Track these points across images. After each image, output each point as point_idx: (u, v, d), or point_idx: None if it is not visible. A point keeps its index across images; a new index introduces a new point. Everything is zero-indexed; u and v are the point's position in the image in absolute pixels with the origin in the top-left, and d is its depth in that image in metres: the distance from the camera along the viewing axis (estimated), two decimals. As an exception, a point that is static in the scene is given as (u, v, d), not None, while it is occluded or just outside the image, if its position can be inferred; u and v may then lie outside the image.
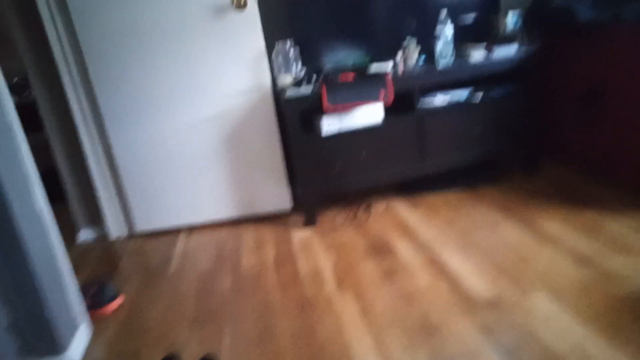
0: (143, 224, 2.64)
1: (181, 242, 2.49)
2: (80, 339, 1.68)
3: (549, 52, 2.44)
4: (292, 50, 2.37)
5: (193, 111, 2.44)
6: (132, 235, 2.67)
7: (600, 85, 2.19)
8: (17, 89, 3.57)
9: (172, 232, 2.63)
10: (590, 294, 1.53)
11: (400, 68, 2.40)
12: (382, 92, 2.28)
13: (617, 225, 1.90)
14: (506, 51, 2.38)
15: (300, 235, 2.34)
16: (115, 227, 2.66)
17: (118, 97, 2.40)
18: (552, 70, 2.47)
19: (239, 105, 2.43)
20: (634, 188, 2.13)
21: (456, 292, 1.67)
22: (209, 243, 2.43)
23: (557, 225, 1.99)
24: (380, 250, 2.05)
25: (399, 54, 2.43)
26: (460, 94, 2.45)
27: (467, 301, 1.61)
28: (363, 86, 2.29)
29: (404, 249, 2.02)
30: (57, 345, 1.55)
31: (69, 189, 2.62)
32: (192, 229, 2.64)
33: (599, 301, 1.49)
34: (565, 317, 1.44)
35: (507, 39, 2.44)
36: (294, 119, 2.28)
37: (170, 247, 2.46)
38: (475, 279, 1.72)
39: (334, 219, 2.47)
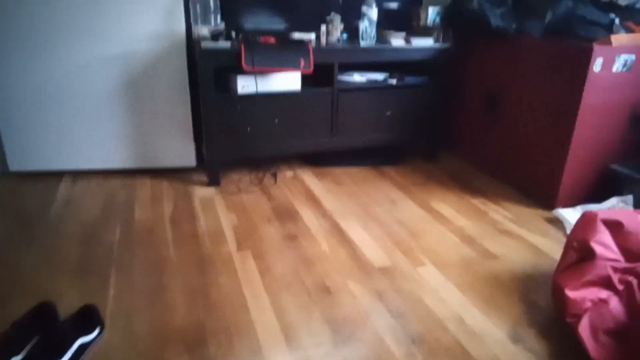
0: (18, 163, 2.32)
1: (64, 188, 2.25)
2: None
3: (461, 52, 2.61)
4: (212, 0, 2.23)
5: (92, 48, 2.18)
6: (4, 175, 2.34)
7: (499, 90, 2.40)
8: None
9: (54, 176, 2.36)
10: (471, 269, 1.68)
11: (323, 41, 2.39)
12: (303, 61, 2.25)
13: (497, 214, 2.11)
14: (423, 43, 2.49)
15: (202, 193, 2.25)
16: (-17, 164, 2.31)
17: (3, 20, 2.06)
18: (462, 69, 2.65)
19: (146, 49, 2.23)
20: (513, 184, 2.38)
21: (353, 259, 1.73)
22: (97, 191, 2.22)
23: (448, 208, 2.15)
24: (284, 215, 2.05)
25: (323, 27, 2.42)
26: (377, 76, 2.52)
27: (362, 268, 1.67)
28: (284, 52, 2.24)
29: (306, 216, 2.04)
30: None
31: None
32: (77, 175, 2.39)
33: (477, 276, 1.64)
34: (448, 287, 1.57)
35: (425, 32, 2.56)
36: (208, 73, 2.16)
37: (51, 191, 2.20)
38: (371, 248, 1.80)
39: (239, 181, 2.41)
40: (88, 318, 1.32)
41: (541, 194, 2.20)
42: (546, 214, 2.11)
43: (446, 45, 2.52)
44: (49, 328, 1.22)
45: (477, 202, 2.23)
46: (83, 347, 1.24)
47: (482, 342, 1.32)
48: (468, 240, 1.88)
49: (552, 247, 1.83)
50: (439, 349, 1.29)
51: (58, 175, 2.37)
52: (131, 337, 1.31)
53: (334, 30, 2.46)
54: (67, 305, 1.42)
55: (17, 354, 1.16)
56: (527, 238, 1.90)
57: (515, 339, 1.34)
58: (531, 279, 1.63)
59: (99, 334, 1.30)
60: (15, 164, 2.32)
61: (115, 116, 2.32)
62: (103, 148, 2.37)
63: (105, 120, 2.32)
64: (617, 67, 1.96)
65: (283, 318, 1.40)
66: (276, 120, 2.36)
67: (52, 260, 1.67)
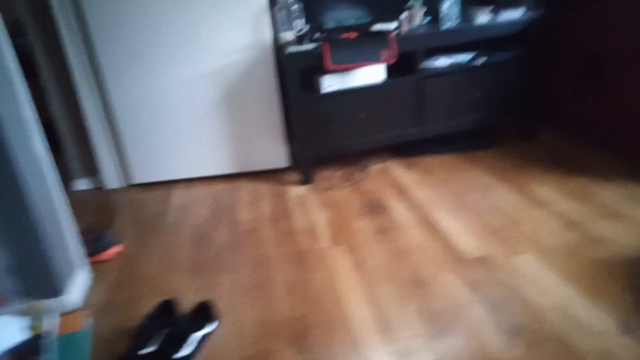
0: (140, 176, 2.65)
1: (177, 195, 2.52)
2: (79, 284, 1.72)
3: (553, 19, 2.41)
4: (294, 6, 2.33)
5: (192, 66, 2.41)
6: (129, 186, 2.69)
7: (604, 52, 2.18)
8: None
9: (169, 185, 2.65)
10: (576, 256, 1.58)
11: (404, 28, 2.37)
12: (385, 53, 2.26)
13: (607, 193, 1.94)
14: (512, 15, 2.35)
15: (296, 192, 2.37)
16: (111, 178, 2.67)
17: (117, 48, 2.36)
18: (555, 38, 2.45)
19: (238, 61, 2.40)
20: (626, 157, 2.16)
21: (447, 250, 1.72)
22: (205, 197, 2.46)
23: (549, 191, 2.03)
24: (375, 208, 2.09)
25: (404, 14, 2.39)
26: (463, 57, 2.43)
27: (456, 259, 1.66)
28: (366, 46, 2.26)
29: (398, 208, 2.06)
30: (55, 287, 1.59)
31: (65, 138, 2.61)
32: (188, 182, 2.66)
33: (583, 263, 1.54)
34: (550, 276, 1.50)
35: (514, 3, 2.41)
36: (294, 76, 2.26)
37: (167, 199, 2.49)
38: (465, 238, 1.77)
39: (330, 178, 2.49)
40: (206, 312, 1.49)
41: (660, 167, 1.98)
42: (667, 190, 1.90)
43: (538, 13, 2.35)
44: (174, 322, 1.41)
45: (584, 180, 2.06)
46: (203, 338, 1.41)
47: (588, 334, 1.25)
48: (572, 224, 1.76)
49: (674, 228, 1.65)
50: (541, 340, 1.25)
51: (171, 183, 2.66)
52: (242, 329, 1.46)
53: (416, 16, 2.42)
54: (187, 301, 1.62)
55: (150, 343, 1.36)
56: (642, 219, 1.74)
57: (627, 329, 1.25)
58: (648, 265, 1.49)
59: (216, 326, 1.47)
60: (138, 176, 2.65)
61: (215, 126, 2.54)
62: (207, 156, 2.61)
63: (207, 131, 2.55)
64: None
65: (378, 311, 1.46)
66: (362, 114, 2.40)
67: (171, 261, 1.90)
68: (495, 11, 2.35)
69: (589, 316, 1.32)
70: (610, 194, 1.93)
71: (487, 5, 2.41)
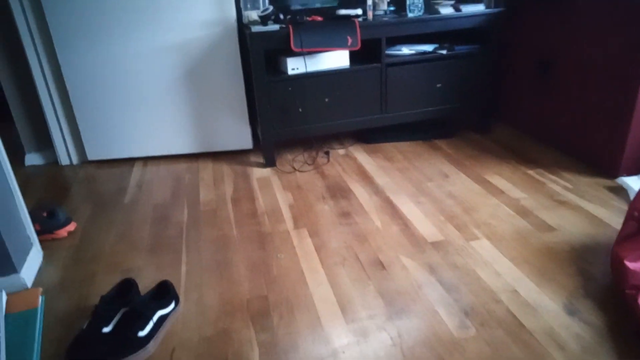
0: (95, 152, 2.55)
1: (136, 173, 2.45)
2: (32, 262, 1.65)
3: (513, 16, 2.50)
4: (261, -16, 2.29)
5: (151, 39, 2.32)
6: (84, 163, 2.58)
7: (555, 54, 2.29)
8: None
9: (127, 162, 2.57)
10: (527, 242, 1.68)
11: (370, 15, 2.38)
12: (350, 39, 2.27)
13: (555, 184, 2.06)
14: (474, 9, 2.41)
15: (259, 174, 2.36)
16: (65, 153, 2.56)
17: (69, 17, 2.24)
18: (514, 36, 2.55)
19: (201, 37, 2.34)
20: (571, 153, 2.29)
21: (406, 234, 1.77)
22: (165, 175, 2.40)
23: (503, 180, 2.13)
24: (337, 193, 2.12)
25: (369, 1, 2.40)
26: (426, 48, 2.49)
27: (415, 243, 1.72)
28: (331, 31, 2.26)
29: (359, 193, 2.10)
30: (7, 265, 1.52)
31: (15, 109, 2.46)
32: (147, 160, 2.58)
33: (533, 249, 1.64)
34: (502, 260, 1.59)
35: (475, -2, 2.48)
36: (259, 56, 2.23)
37: (125, 176, 2.41)
38: (424, 223, 1.84)
39: (294, 161, 2.50)
40: (165, 292, 1.47)
41: (603, 161, 2.12)
42: (608, 182, 2.03)
43: (499, 9, 2.43)
44: (133, 302, 1.38)
45: (534, 173, 2.18)
46: (162, 318, 1.39)
47: (536, 314, 1.34)
48: (524, 212, 1.86)
49: (613, 218, 1.78)
50: (492, 320, 1.33)
51: (130, 161, 2.58)
52: (202, 309, 1.45)
53: (381, 3, 2.45)
54: (146, 280, 1.59)
55: (107, 324, 1.33)
56: (586, 208, 1.85)
57: (571, 311, 1.34)
58: (589, 251, 1.60)
59: (175, 306, 1.45)
60: (93, 153, 2.55)
61: (177, 103, 2.47)
62: (168, 134, 2.54)
63: (168, 108, 2.48)
64: (689, 22, 1.82)
65: (339, 292, 1.49)
66: (326, 99, 2.41)
67: (130, 240, 1.85)
68: (457, 5, 2.41)
69: (537, 298, 1.40)
70: (557, 186, 2.05)
71: (450, -1, 2.48)
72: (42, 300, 1.51)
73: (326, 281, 1.54)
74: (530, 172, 2.19)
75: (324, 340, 1.30)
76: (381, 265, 1.61)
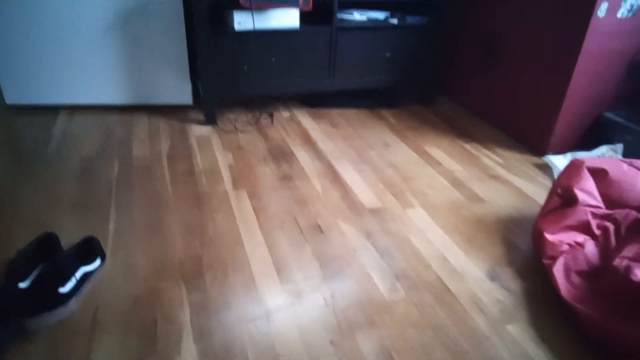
0: (15, 96, 2.32)
1: (61, 122, 2.26)
2: None
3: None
4: None
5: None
6: (1, 107, 2.35)
7: (500, 34, 2.35)
8: None
9: (51, 110, 2.37)
10: (458, 212, 1.75)
11: (323, -25, 2.31)
12: (302, -3, 2.19)
13: (488, 159, 2.15)
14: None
15: (198, 131, 2.27)
16: (-22, 97, 2.31)
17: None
18: (464, 11, 2.58)
19: (141, -20, 2.16)
20: (505, 130, 2.40)
21: (345, 200, 1.79)
22: (94, 127, 2.24)
23: (441, 152, 2.19)
24: (279, 156, 2.09)
25: (324, -40, 2.32)
26: (378, 15, 2.46)
27: (353, 209, 1.73)
28: (282, -13, 2.17)
29: (302, 157, 2.08)
30: None
31: None
32: (74, 109, 2.39)
33: (463, 218, 1.71)
34: (434, 228, 1.64)
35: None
36: (203, 8, 2.10)
37: (48, 126, 2.22)
38: (363, 190, 1.85)
39: (236, 120, 2.42)
40: (90, 249, 1.39)
41: (533, 140, 2.23)
42: (536, 160, 2.15)
43: (450, -17, 2.44)
44: (53, 257, 1.29)
45: (470, 147, 2.26)
46: (86, 275, 1.32)
47: (461, 279, 1.41)
48: (457, 183, 1.93)
49: (538, 193, 1.89)
50: (421, 285, 1.38)
51: (55, 109, 2.38)
52: (131, 268, 1.39)
53: (335, -35, 2.37)
54: (68, 238, 1.49)
55: (23, 279, 1.24)
56: (514, 183, 1.95)
57: (493, 277, 1.42)
58: (514, 223, 1.70)
59: (101, 264, 1.38)
60: (11, 97, 2.32)
61: (111, 51, 2.29)
62: (100, 83, 2.35)
63: (101, 55, 2.29)
64: (622, 12, 1.92)
65: (276, 254, 1.48)
66: (273, 59, 2.33)
67: (52, 194, 1.72)
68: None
69: (464, 265, 1.47)
70: (490, 160, 2.14)
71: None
72: (-53, 254, 1.37)
73: (263, 243, 1.53)
74: (467, 145, 2.27)
75: (258, 300, 1.29)
76: (319, 229, 1.61)
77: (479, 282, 1.40)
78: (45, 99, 2.35)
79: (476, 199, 1.84)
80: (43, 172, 1.85)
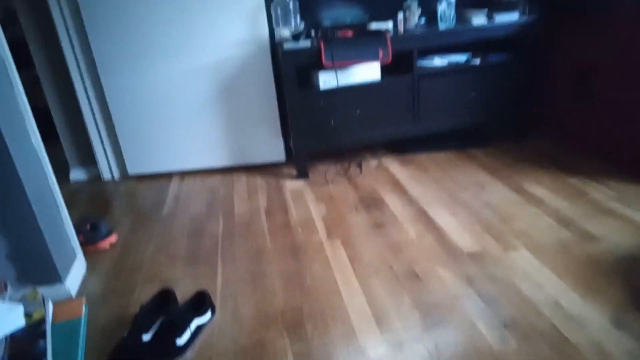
0: (135, 167, 2.65)
1: (173, 187, 2.52)
2: (76, 272, 1.72)
3: (548, 25, 2.45)
4: (291, 3, 2.34)
5: (189, 59, 2.41)
6: (125, 178, 2.68)
7: (594, 64, 2.22)
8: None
9: (165, 176, 2.65)
10: (569, 252, 1.61)
11: (401, 28, 2.39)
12: (381, 52, 2.28)
13: (597, 193, 1.98)
14: (507, 18, 2.38)
15: (292, 186, 2.38)
16: (107, 169, 2.66)
17: (111, 41, 2.35)
18: (549, 44, 2.49)
19: (235, 55, 2.40)
20: (613, 162, 2.20)
21: (441, 245, 1.74)
22: (201, 189, 2.46)
23: (542, 189, 2.06)
24: (370, 203, 2.11)
25: (400, 14, 2.41)
26: (459, 58, 2.46)
27: (451, 254, 1.68)
28: (362, 44, 2.28)
29: (393, 204, 2.08)
30: (53, 274, 1.59)
31: (61, 128, 2.59)
32: (184, 174, 2.65)
33: (576, 260, 1.57)
34: (543, 272, 1.53)
35: (509, 6, 2.44)
36: (291, 72, 2.27)
37: (163, 190, 2.48)
38: (460, 234, 1.80)
39: (326, 172, 2.51)
40: (202, 302, 1.50)
41: (650, 169, 2.02)
42: (657, 190, 1.94)
43: (533, 18, 2.38)
44: (171, 311, 1.41)
45: (575, 181, 2.10)
46: (199, 328, 1.41)
47: (581, 328, 1.28)
48: (565, 222, 1.80)
49: (664, 227, 1.69)
50: (534, 334, 1.28)
51: (168, 175, 2.66)
52: (238, 319, 1.46)
53: (412, 16, 2.45)
54: (183, 291, 1.62)
55: (146, 332, 1.36)
56: (632, 217, 1.77)
57: (619, 324, 1.28)
58: (637, 262, 1.52)
59: (212, 316, 1.47)
60: (133, 168, 2.65)
61: (212, 119, 2.54)
62: (204, 149, 2.61)
63: (204, 124, 2.55)
64: None
65: (373, 302, 1.47)
66: (358, 111, 2.42)
67: (167, 251, 1.90)
68: (490, 14, 2.39)
69: (582, 311, 1.34)
70: (599, 194, 1.97)
71: (482, 8, 2.44)
72: (85, 310, 1.56)
73: (360, 292, 1.53)
74: (572, 180, 2.11)
75: (359, 351, 1.29)
76: (416, 276, 1.58)
77: (602, 330, 1.27)
78: (160, 167, 2.64)
79: (589, 237, 1.69)
80: (160, 232, 2.06)
